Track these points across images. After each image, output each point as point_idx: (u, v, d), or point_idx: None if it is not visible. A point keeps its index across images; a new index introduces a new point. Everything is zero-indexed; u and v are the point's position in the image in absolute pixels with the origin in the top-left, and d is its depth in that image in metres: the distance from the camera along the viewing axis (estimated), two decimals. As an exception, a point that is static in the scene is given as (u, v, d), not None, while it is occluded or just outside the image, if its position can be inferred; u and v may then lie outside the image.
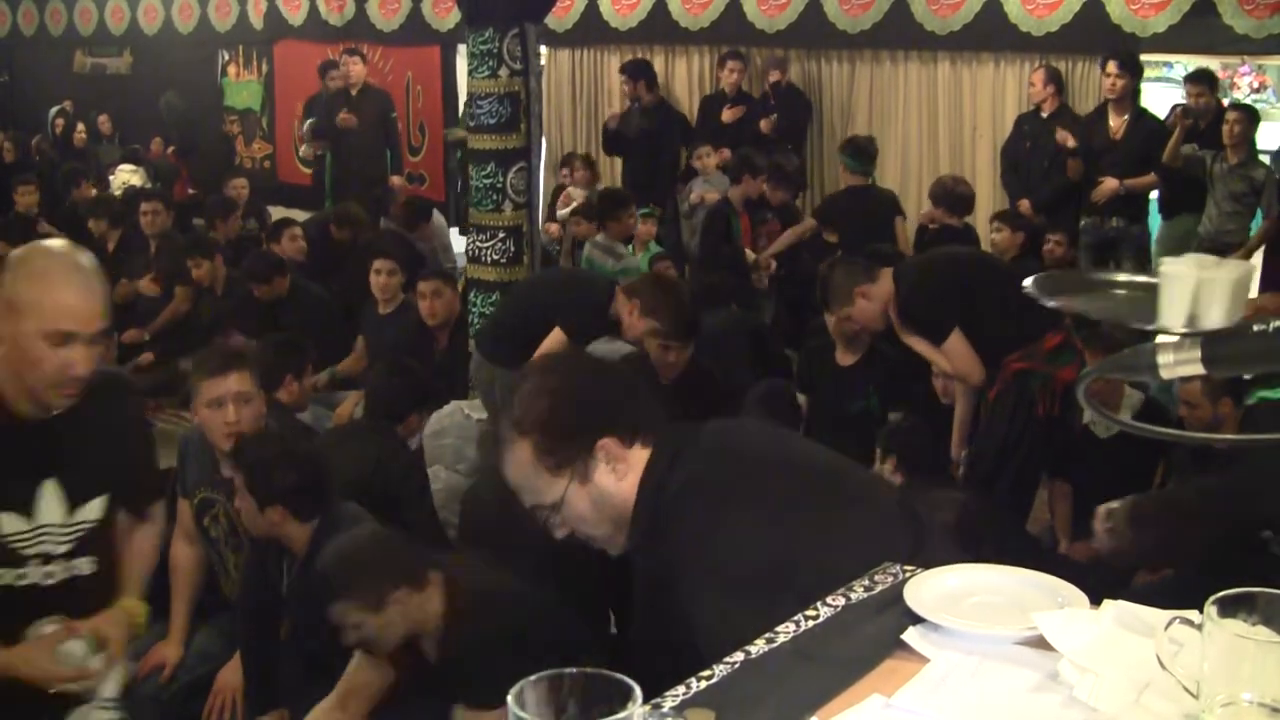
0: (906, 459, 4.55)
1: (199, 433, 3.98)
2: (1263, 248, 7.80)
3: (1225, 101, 8.54)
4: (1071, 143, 7.67)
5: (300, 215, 9.68)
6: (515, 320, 5.47)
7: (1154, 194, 8.01)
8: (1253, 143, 7.66)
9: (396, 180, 10.13)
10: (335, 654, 3.46)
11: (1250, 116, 7.55)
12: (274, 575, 3.73)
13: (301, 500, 3.56)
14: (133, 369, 6.97)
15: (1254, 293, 8.15)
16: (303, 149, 10.80)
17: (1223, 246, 7.43)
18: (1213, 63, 8.09)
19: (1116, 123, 7.67)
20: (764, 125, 8.90)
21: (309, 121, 10.50)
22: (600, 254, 7.39)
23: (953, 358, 4.90)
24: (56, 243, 2.78)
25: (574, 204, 8.88)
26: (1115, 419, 1.69)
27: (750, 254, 7.88)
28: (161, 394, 6.47)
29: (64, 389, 2.59)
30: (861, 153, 7.70)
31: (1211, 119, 7.63)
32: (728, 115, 9.02)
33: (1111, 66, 7.58)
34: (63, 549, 2.75)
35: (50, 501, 2.72)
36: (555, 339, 5.11)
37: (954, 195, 7.36)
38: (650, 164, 9.09)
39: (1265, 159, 8.03)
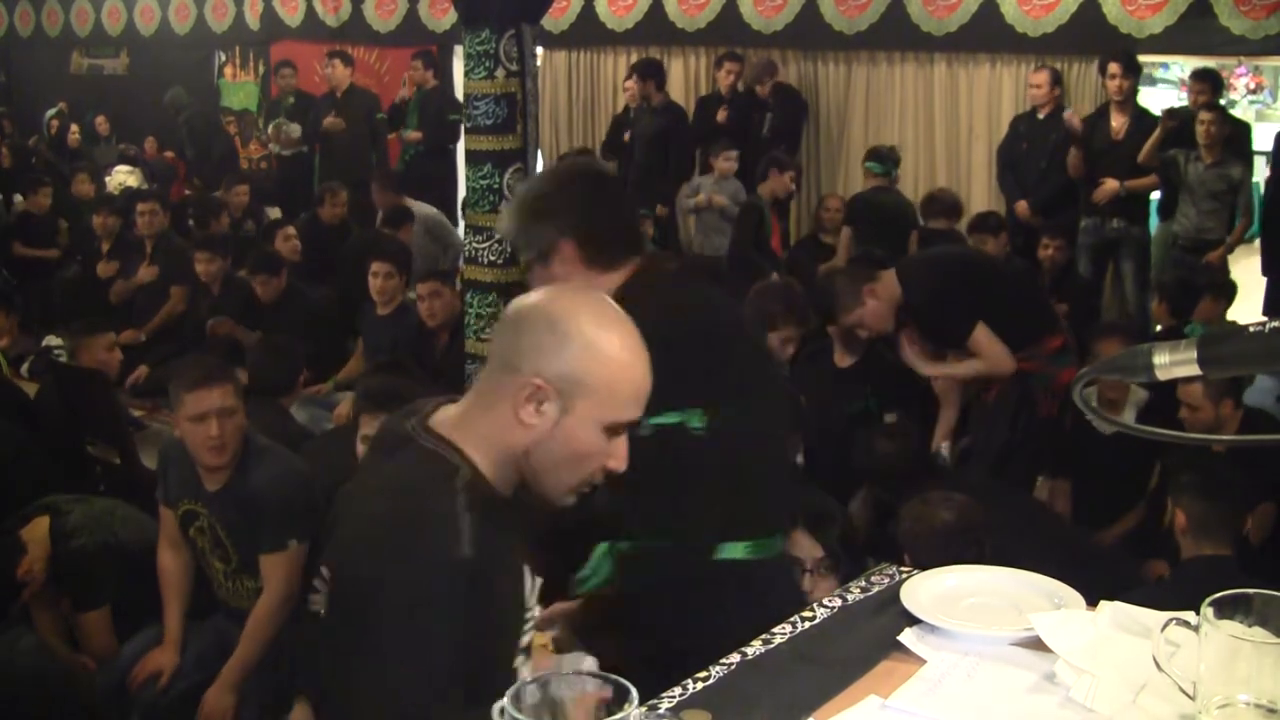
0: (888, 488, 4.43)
1: (180, 442, 3.92)
2: (1260, 242, 7.86)
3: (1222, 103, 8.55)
4: (1077, 124, 7.66)
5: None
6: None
7: (1155, 194, 8.03)
8: (1241, 142, 7.69)
9: None
10: None
11: (1225, 118, 7.55)
12: None
13: None
14: (133, 379, 6.99)
15: (1257, 289, 8.19)
16: (272, 146, 10.88)
17: (1203, 245, 7.46)
18: (1209, 63, 8.09)
19: (1118, 123, 7.66)
20: (720, 115, 8.92)
21: (276, 122, 10.57)
22: None
23: (983, 352, 4.83)
24: (609, 301, 2.00)
25: None
26: (1110, 419, 1.68)
27: None
28: (156, 395, 6.46)
29: (587, 487, 1.99)
30: (885, 158, 7.81)
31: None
32: (721, 117, 9.03)
33: (1114, 68, 7.58)
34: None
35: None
36: None
37: (943, 203, 7.44)
38: (658, 164, 9.08)
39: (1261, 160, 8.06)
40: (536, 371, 1.86)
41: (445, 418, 1.95)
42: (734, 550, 2.45)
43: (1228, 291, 6.67)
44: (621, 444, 1.93)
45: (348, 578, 1.86)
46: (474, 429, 1.91)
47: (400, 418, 2.01)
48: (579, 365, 1.86)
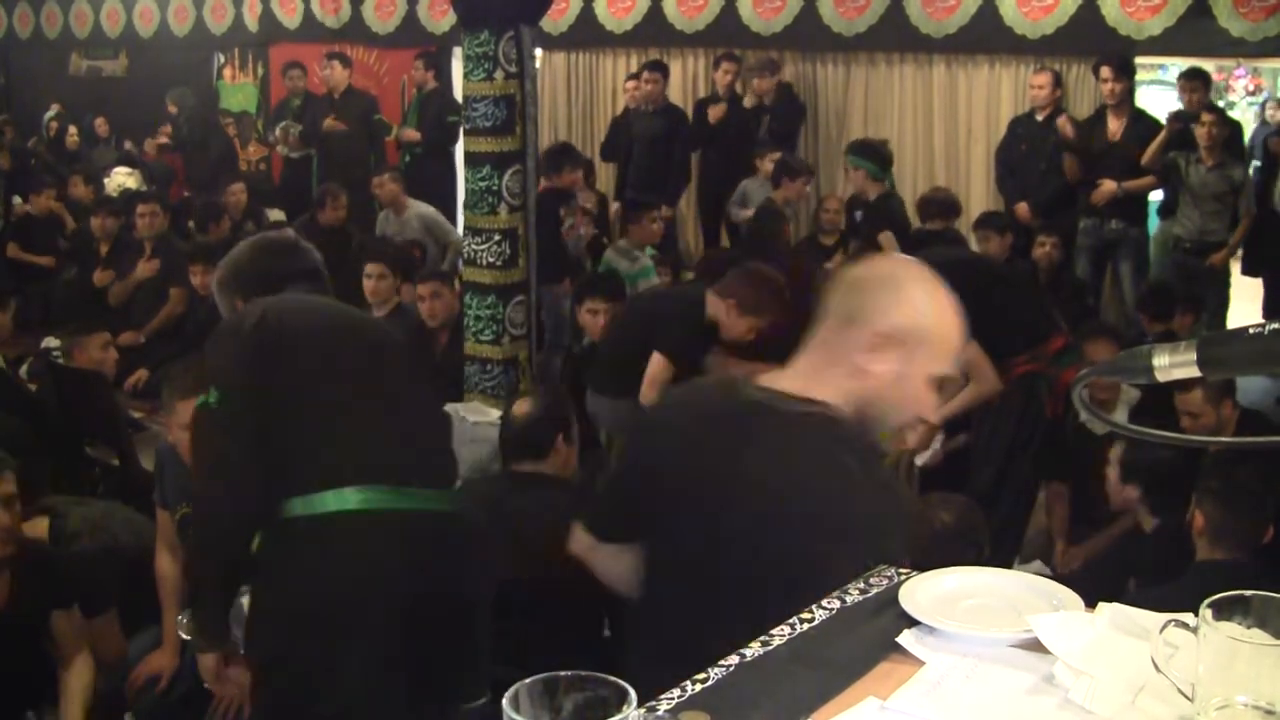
0: None
1: (175, 447, 3.92)
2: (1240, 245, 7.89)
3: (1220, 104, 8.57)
4: (1070, 130, 7.66)
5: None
6: (624, 354, 5.44)
7: (1155, 194, 8.04)
8: (1238, 143, 7.70)
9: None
10: None
11: (1224, 119, 7.57)
12: None
13: None
14: (132, 383, 7.00)
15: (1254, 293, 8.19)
16: (279, 149, 10.88)
17: (1207, 246, 7.46)
18: (1208, 65, 8.10)
19: (1115, 125, 7.68)
20: (711, 113, 8.91)
21: (282, 124, 10.58)
22: (617, 257, 7.39)
23: (974, 369, 4.81)
24: (911, 261, 2.36)
25: None
26: (1109, 420, 1.68)
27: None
28: (155, 397, 6.46)
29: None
30: (883, 158, 7.51)
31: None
32: (713, 115, 9.04)
33: (1106, 71, 7.60)
34: None
35: None
36: (657, 366, 5.10)
37: (942, 204, 7.38)
38: (660, 166, 9.08)
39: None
40: (882, 324, 2.09)
41: (789, 378, 2.18)
42: (299, 507, 2.81)
43: (1197, 305, 6.71)
44: (935, 397, 2.19)
45: (837, 524, 2.08)
46: (824, 382, 2.14)
47: (727, 392, 2.24)
48: (916, 319, 2.10)
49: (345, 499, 2.82)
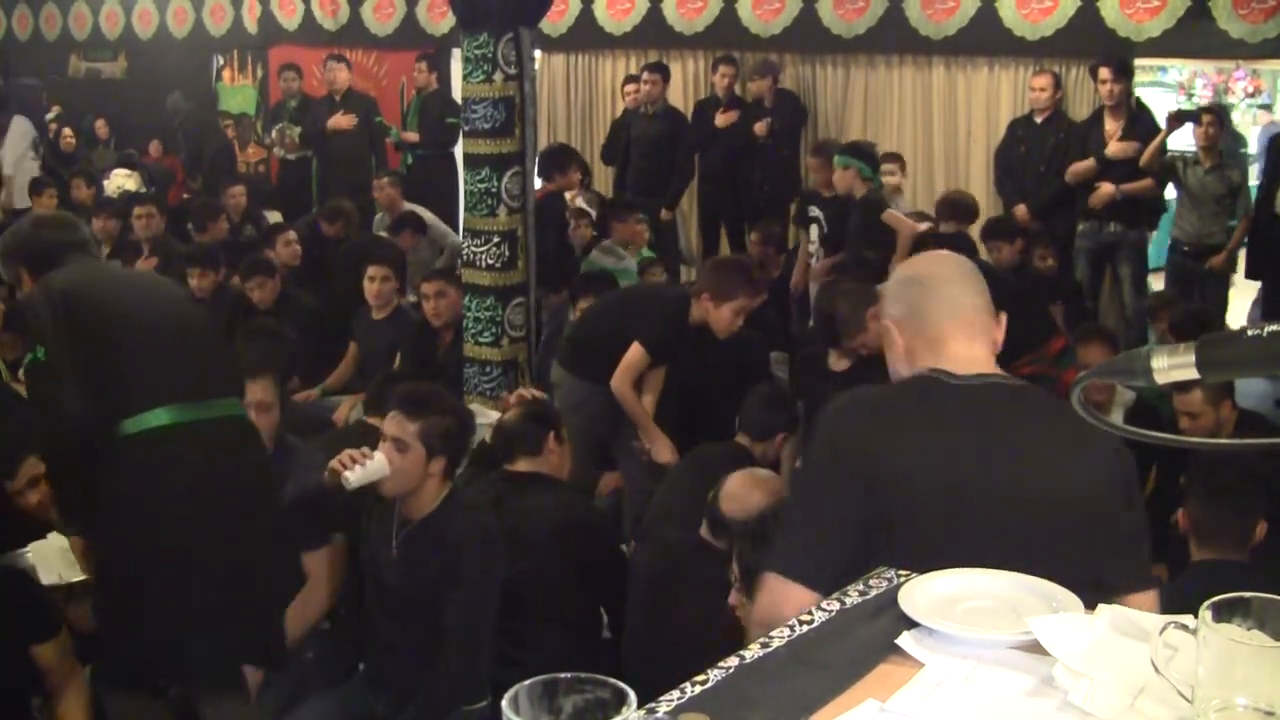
0: None
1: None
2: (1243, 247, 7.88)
3: (1224, 104, 8.55)
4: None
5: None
6: (595, 335, 5.55)
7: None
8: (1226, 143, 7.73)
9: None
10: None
11: (1222, 119, 7.56)
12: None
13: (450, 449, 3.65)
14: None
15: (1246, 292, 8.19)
16: (276, 150, 10.89)
17: (1206, 249, 7.45)
18: (1208, 67, 8.10)
19: (1113, 127, 7.67)
20: (758, 128, 8.89)
21: (279, 126, 10.59)
22: (603, 255, 7.40)
23: None
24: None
25: None
26: (1107, 422, 1.69)
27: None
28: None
29: None
30: (873, 158, 7.34)
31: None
32: (721, 120, 9.03)
33: (1105, 73, 7.58)
34: None
35: None
36: (635, 354, 5.21)
37: (959, 206, 7.34)
38: (660, 169, 9.08)
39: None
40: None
41: (981, 364, 2.36)
42: (129, 427, 3.44)
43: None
44: None
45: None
46: (993, 365, 2.38)
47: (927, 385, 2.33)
48: None
49: (159, 416, 3.46)
